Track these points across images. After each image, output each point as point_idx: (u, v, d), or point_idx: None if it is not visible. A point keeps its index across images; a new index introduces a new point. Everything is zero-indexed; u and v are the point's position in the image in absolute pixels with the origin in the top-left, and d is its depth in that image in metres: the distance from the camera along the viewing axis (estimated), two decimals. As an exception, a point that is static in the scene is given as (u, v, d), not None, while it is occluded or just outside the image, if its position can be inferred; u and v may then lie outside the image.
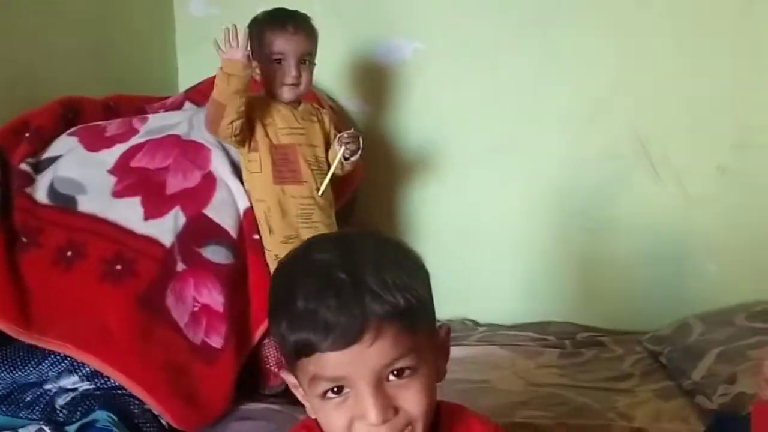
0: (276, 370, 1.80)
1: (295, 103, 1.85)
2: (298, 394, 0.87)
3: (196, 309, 1.69)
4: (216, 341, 1.69)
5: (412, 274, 0.81)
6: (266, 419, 1.62)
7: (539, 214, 2.38)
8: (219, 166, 1.85)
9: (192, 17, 2.57)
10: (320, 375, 0.77)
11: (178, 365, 1.62)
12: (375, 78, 2.47)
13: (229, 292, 1.71)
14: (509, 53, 2.35)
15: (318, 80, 2.38)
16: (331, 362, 0.76)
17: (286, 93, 1.81)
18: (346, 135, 1.79)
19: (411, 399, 0.79)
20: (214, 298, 1.70)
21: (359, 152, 1.82)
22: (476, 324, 2.39)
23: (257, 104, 1.81)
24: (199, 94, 2.20)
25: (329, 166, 1.85)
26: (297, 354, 0.78)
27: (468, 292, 2.40)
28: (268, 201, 1.80)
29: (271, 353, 1.80)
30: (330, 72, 2.40)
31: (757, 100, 2.23)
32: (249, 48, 1.75)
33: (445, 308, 2.34)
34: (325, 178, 1.83)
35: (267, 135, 1.80)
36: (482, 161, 2.41)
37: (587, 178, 2.34)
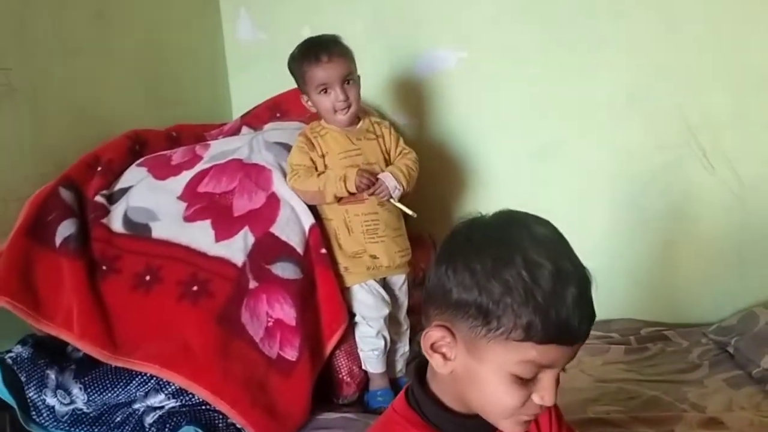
0: (348, 380, 1.85)
1: (354, 122, 1.92)
2: (438, 353, 0.87)
3: (269, 324, 1.75)
4: (291, 354, 1.75)
5: None
6: (342, 428, 1.67)
7: (591, 210, 2.39)
8: (281, 186, 1.92)
9: (241, 42, 2.66)
10: (537, 362, 0.81)
11: (257, 379, 1.69)
12: (420, 90, 2.52)
13: (300, 305, 1.77)
14: (550, 54, 2.37)
15: (365, 97, 2.45)
16: (556, 354, 0.81)
17: (341, 117, 1.87)
18: (366, 188, 1.83)
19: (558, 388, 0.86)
20: (286, 312, 1.76)
21: (396, 190, 1.86)
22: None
23: (317, 139, 1.89)
24: (255, 118, 2.30)
25: None
26: (525, 337, 0.79)
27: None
28: (335, 220, 1.89)
29: (343, 363, 1.85)
30: (375, 88, 2.46)
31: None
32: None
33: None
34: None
35: (326, 165, 1.87)
36: (531, 163, 2.44)
37: (638, 170, 2.35)
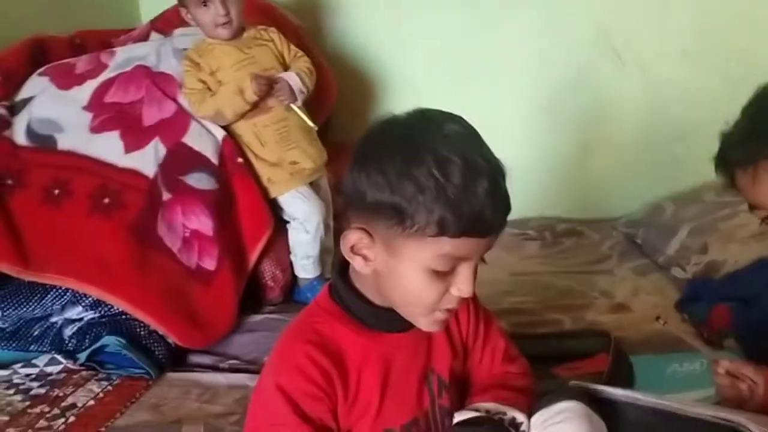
0: (272, 284, 1.87)
1: (239, 34, 1.85)
2: (358, 255, 0.88)
3: (186, 235, 1.74)
4: (209, 264, 1.75)
5: None
6: (268, 329, 1.70)
7: (507, 111, 2.42)
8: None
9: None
10: (451, 254, 0.83)
11: (177, 289, 1.68)
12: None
13: (217, 216, 1.75)
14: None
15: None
16: (471, 246, 0.83)
17: (222, 32, 1.81)
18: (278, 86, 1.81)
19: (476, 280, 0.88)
20: (203, 223, 1.75)
21: (301, 93, 1.83)
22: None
23: (203, 57, 1.82)
24: (165, 22, 2.20)
25: None
26: (438, 232, 0.80)
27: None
28: (245, 135, 1.85)
29: (267, 268, 1.86)
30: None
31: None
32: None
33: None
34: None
35: (220, 81, 1.81)
36: (450, 67, 2.44)
37: (556, 74, 2.38)
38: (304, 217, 1.89)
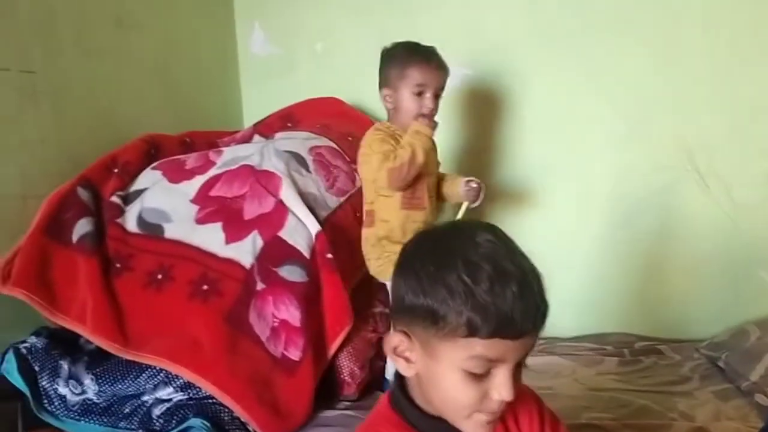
0: (349, 380, 1.91)
1: None
2: (401, 357, 0.94)
3: (275, 324, 1.82)
4: (295, 354, 1.81)
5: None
6: (343, 425, 1.73)
7: (590, 228, 2.46)
8: (288, 194, 1.98)
9: (254, 56, 2.74)
10: (484, 356, 0.87)
11: (262, 376, 1.75)
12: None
13: (305, 308, 1.83)
14: (548, 77, 2.45)
15: (370, 108, 2.53)
16: (502, 348, 0.86)
17: (422, 121, 1.91)
18: (476, 188, 1.94)
19: (519, 383, 0.92)
20: (291, 313, 1.83)
21: (479, 201, 1.96)
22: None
23: (393, 133, 1.95)
24: (266, 127, 2.38)
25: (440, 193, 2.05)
26: (469, 333, 0.85)
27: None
28: (392, 222, 1.95)
29: (345, 364, 1.91)
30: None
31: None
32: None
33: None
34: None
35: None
36: (534, 179, 2.51)
37: (636, 190, 2.42)
38: None
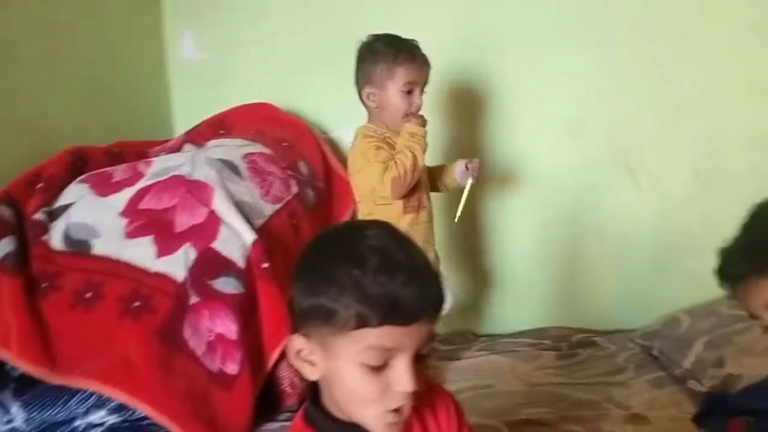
0: (290, 390, 1.89)
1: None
2: (305, 361, 0.94)
3: (211, 339, 1.78)
4: (232, 368, 1.78)
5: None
6: (283, 438, 1.72)
7: (527, 225, 2.50)
8: (221, 203, 1.94)
9: (185, 62, 2.69)
10: (378, 346, 0.87)
11: (199, 393, 1.71)
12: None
13: (241, 320, 1.80)
14: (492, 75, 2.47)
15: (306, 113, 2.52)
16: (396, 336, 0.87)
17: (406, 123, 1.90)
18: (477, 165, 1.96)
19: (423, 377, 0.93)
20: (227, 327, 1.79)
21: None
22: (476, 335, 2.49)
23: (386, 139, 1.92)
24: (198, 135, 2.33)
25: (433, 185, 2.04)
26: (358, 325, 0.86)
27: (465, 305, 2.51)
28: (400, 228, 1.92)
29: (285, 375, 1.89)
30: (323, 104, 2.55)
31: (727, 106, 2.38)
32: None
33: (442, 323, 2.46)
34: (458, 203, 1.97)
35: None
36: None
37: (571, 188, 2.47)
38: None
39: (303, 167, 2.27)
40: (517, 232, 2.51)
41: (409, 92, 1.88)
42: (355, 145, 1.96)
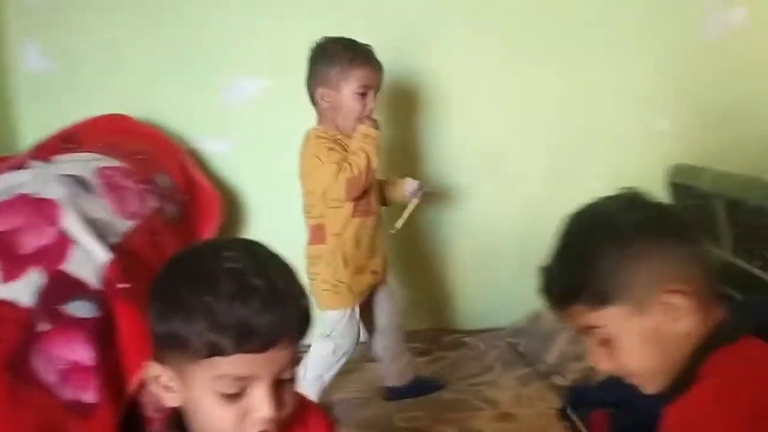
0: (155, 416, 1.80)
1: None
2: (164, 388, 0.90)
3: (65, 367, 1.66)
4: (89, 396, 1.66)
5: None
6: (148, 466, 1.63)
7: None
8: (71, 222, 1.81)
9: (28, 73, 2.51)
10: (231, 375, 0.84)
11: (53, 425, 1.58)
12: (226, 117, 2.53)
13: (97, 345, 1.69)
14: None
15: (165, 123, 2.42)
16: (251, 363, 0.83)
17: (367, 121, 1.90)
18: (425, 189, 2.00)
19: (289, 400, 0.89)
20: (82, 353, 1.67)
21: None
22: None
23: (339, 141, 1.89)
24: (44, 150, 2.18)
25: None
26: (210, 353, 0.82)
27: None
28: (344, 234, 1.88)
29: (149, 400, 1.79)
30: (181, 113, 2.46)
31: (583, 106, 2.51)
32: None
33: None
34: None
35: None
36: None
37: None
38: (341, 338, 1.88)
39: (162, 180, 2.17)
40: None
41: (363, 95, 1.89)
42: (306, 147, 1.93)
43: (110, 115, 2.35)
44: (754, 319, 0.98)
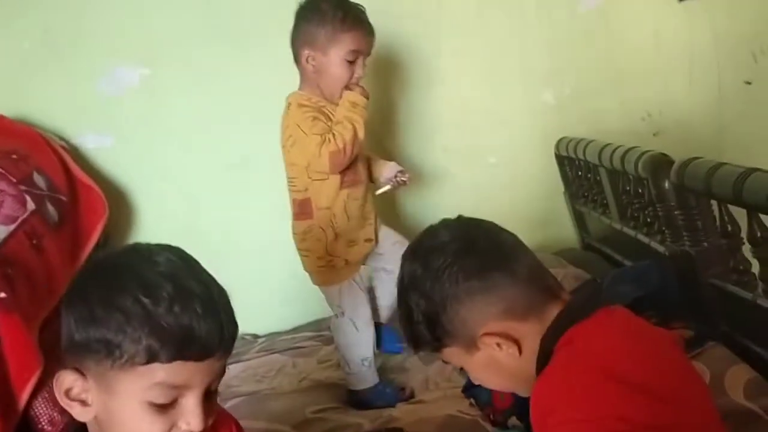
0: (49, 428, 1.70)
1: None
2: (76, 400, 0.84)
3: (-58, 385, 1.54)
4: (-28, 415, 1.56)
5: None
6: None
7: (284, 218, 2.45)
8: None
9: None
10: (167, 382, 0.79)
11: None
12: (106, 109, 2.40)
13: (-22, 360, 1.58)
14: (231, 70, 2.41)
15: (41, 120, 2.28)
16: (188, 372, 0.80)
17: (357, 88, 1.77)
18: (406, 180, 1.88)
19: (213, 413, 0.87)
20: (-39, 370, 1.56)
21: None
22: (255, 336, 2.43)
23: (323, 108, 1.79)
24: None
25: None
26: (148, 359, 0.78)
27: (241, 308, 2.40)
28: (333, 207, 1.77)
29: (42, 411, 1.68)
30: (57, 108, 2.32)
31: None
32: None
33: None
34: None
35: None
36: (222, 176, 2.46)
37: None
38: (352, 309, 1.81)
39: (40, 181, 2.03)
40: (270, 229, 2.45)
41: (353, 61, 1.75)
42: (288, 116, 1.79)
43: (-23, 114, 2.18)
44: (614, 292, 1.03)
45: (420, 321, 0.99)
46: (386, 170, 1.90)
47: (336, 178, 1.78)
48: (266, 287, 2.47)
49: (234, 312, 0.87)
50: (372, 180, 1.95)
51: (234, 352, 2.09)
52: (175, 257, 0.85)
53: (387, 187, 1.90)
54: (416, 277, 1.00)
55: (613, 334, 0.94)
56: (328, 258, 1.81)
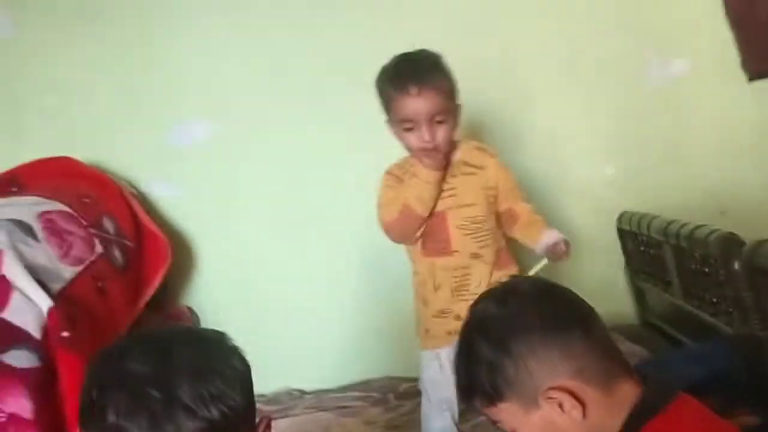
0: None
1: (443, 165, 1.66)
2: None
3: (2, 420, 1.57)
4: (27, 451, 1.58)
5: (231, 380, 0.84)
6: None
7: (346, 275, 2.49)
8: (12, 268, 1.74)
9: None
10: None
11: (-13, 484, 1.50)
12: (175, 159, 2.48)
13: (37, 397, 1.61)
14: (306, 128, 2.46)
15: (113, 167, 2.36)
16: None
17: (426, 161, 1.62)
18: (564, 250, 1.65)
19: None
20: (21, 405, 1.59)
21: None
22: (303, 393, 2.42)
23: (407, 174, 1.70)
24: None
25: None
26: None
27: (290, 362, 2.43)
28: (422, 273, 1.71)
29: (90, 454, 1.70)
30: (129, 156, 2.41)
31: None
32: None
33: (270, 382, 2.37)
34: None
35: None
36: (289, 233, 2.49)
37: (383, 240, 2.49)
38: (429, 383, 1.72)
39: (109, 225, 2.11)
40: (337, 283, 2.49)
41: (409, 130, 1.62)
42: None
43: (55, 158, 2.27)
44: (679, 377, 0.99)
45: (481, 366, 0.92)
46: (547, 238, 1.66)
47: (417, 245, 1.71)
48: (316, 344, 2.47)
49: (224, 402, 0.82)
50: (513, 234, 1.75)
51: (281, 407, 2.16)
52: (151, 358, 0.84)
53: (542, 263, 1.65)
54: (487, 317, 0.94)
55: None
56: (417, 320, 1.78)
